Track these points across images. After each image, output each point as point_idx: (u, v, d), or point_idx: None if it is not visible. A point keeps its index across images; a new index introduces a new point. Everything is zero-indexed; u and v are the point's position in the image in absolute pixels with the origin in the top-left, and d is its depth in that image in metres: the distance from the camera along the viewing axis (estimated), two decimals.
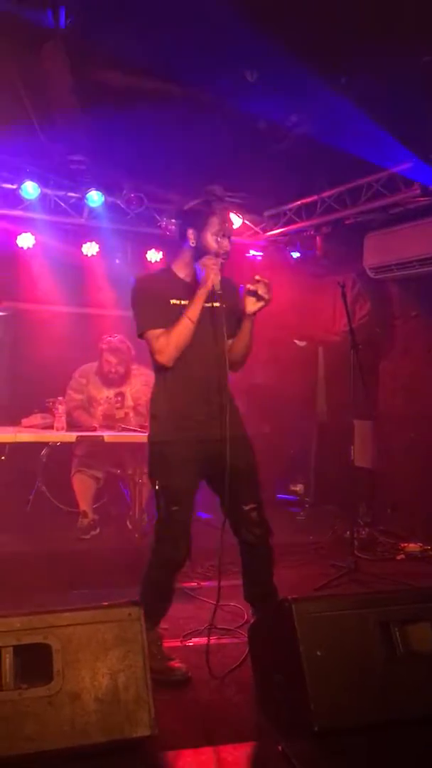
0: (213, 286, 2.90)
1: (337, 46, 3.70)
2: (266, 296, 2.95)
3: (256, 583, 3.11)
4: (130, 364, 5.60)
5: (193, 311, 2.89)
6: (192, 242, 3.00)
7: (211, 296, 2.93)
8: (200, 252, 2.98)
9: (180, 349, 2.91)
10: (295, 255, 6.73)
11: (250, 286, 2.97)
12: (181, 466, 2.97)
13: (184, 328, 2.89)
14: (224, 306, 2.95)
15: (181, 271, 3.08)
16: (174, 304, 2.95)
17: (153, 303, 2.98)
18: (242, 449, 3.01)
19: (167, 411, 3.03)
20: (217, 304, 2.95)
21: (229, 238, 3.02)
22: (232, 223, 3.02)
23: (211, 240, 2.96)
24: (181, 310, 2.92)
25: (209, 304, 2.94)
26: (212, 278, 2.90)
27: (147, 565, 3.06)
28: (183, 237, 3.05)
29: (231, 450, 2.88)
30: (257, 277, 2.97)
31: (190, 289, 2.97)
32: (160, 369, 3.02)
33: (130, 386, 5.62)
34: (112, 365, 5.53)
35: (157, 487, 3.00)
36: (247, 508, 3.01)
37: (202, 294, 2.90)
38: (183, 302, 2.95)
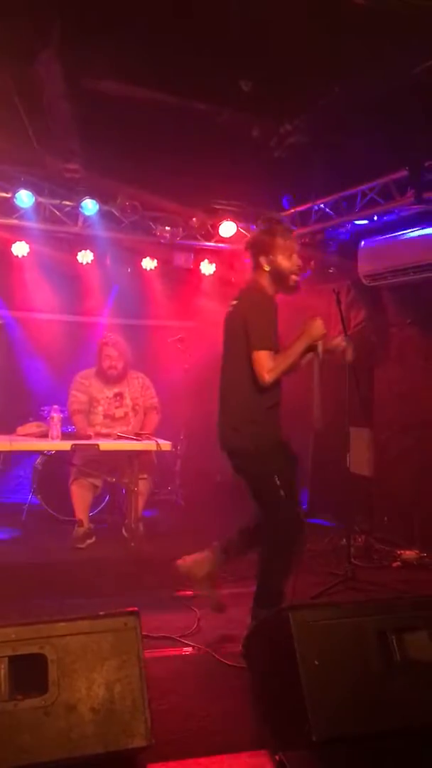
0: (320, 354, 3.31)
1: (329, 55, 3.71)
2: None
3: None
4: (128, 361, 5.65)
5: (301, 349, 3.27)
6: (266, 267, 3.25)
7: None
8: (277, 274, 3.26)
9: (283, 375, 3.26)
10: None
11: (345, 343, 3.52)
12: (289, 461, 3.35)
13: (294, 361, 3.26)
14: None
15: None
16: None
17: (274, 326, 3.26)
18: None
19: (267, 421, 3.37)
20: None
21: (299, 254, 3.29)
22: (297, 243, 3.31)
23: (282, 261, 3.24)
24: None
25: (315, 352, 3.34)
26: (319, 348, 3.32)
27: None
28: (257, 266, 3.30)
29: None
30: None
31: None
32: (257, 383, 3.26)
33: (128, 387, 5.66)
34: (113, 359, 5.57)
35: (277, 482, 3.22)
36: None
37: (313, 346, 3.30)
38: None
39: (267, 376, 3.18)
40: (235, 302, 3.36)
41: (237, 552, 3.50)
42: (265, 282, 3.31)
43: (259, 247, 3.30)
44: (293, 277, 3.27)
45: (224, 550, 3.48)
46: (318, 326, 3.25)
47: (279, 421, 3.39)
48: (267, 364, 3.18)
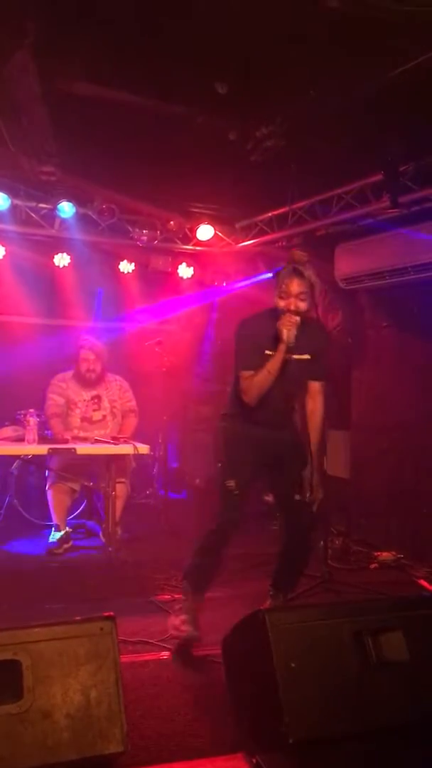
0: (287, 340, 3.35)
1: (304, 58, 3.73)
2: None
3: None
4: (105, 364, 5.63)
5: (273, 364, 3.40)
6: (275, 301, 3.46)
7: (292, 348, 3.40)
8: (277, 309, 3.44)
9: (261, 392, 3.45)
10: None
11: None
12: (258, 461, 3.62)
13: (263, 378, 3.42)
14: (309, 359, 3.52)
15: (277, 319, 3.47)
16: (267, 355, 3.43)
17: (251, 349, 3.49)
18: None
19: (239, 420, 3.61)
20: (297, 356, 3.46)
21: (298, 297, 3.40)
22: (298, 285, 3.41)
23: (278, 300, 3.43)
24: (266, 357, 3.42)
25: (289, 356, 3.42)
26: (285, 334, 3.35)
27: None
28: None
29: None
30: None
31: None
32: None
33: (106, 389, 5.64)
34: (90, 363, 5.54)
35: (225, 477, 3.56)
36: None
37: (281, 350, 3.39)
38: (270, 352, 3.43)
39: (245, 398, 3.48)
40: None
41: (285, 580, 3.77)
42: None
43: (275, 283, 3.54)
44: (287, 315, 3.39)
45: (275, 586, 3.76)
46: (283, 322, 3.38)
47: (269, 421, 3.57)
48: (242, 385, 3.48)
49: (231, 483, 3.49)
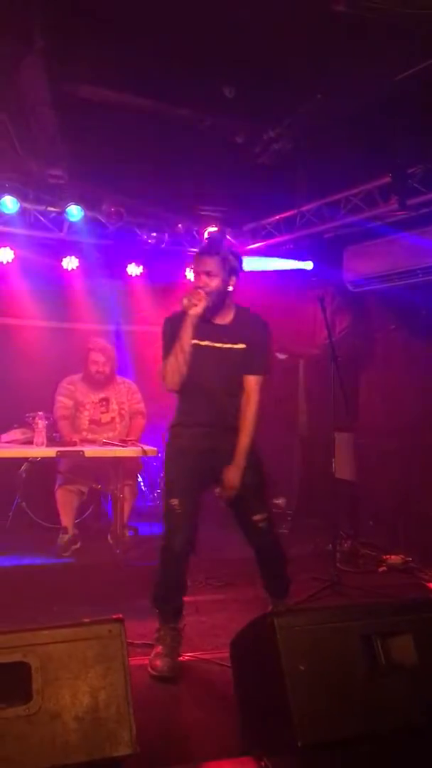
0: (189, 311, 3.22)
1: (311, 62, 3.74)
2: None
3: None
4: (114, 366, 5.65)
5: (183, 339, 3.23)
6: None
7: (227, 337, 3.32)
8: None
9: (176, 373, 3.27)
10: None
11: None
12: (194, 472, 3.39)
13: (176, 353, 3.25)
14: (243, 349, 3.34)
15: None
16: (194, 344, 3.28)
17: (170, 339, 3.34)
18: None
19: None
20: (229, 345, 3.32)
21: (208, 275, 3.28)
22: (206, 262, 3.33)
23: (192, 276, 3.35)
24: (196, 348, 3.27)
25: (220, 345, 3.31)
26: (184, 302, 3.23)
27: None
28: None
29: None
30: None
31: (207, 326, 3.32)
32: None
33: (114, 392, 5.65)
34: (99, 365, 5.55)
35: (167, 491, 3.46)
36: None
37: (187, 321, 3.23)
38: (201, 342, 3.30)
39: (165, 383, 3.35)
40: None
41: (272, 585, 3.60)
42: None
43: None
44: (193, 290, 3.30)
45: (268, 592, 3.61)
46: (185, 298, 3.27)
47: (212, 423, 3.38)
48: (162, 372, 3.35)
49: (174, 501, 3.32)
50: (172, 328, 3.35)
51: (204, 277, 3.30)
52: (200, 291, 3.26)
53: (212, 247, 3.42)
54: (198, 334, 3.28)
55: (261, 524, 3.40)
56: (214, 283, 3.29)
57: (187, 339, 3.24)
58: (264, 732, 2.50)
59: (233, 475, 3.31)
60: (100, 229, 6.26)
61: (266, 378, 3.43)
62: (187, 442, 3.40)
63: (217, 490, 3.33)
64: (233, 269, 3.36)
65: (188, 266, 6.93)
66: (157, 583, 3.34)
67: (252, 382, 3.39)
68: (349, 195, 5.50)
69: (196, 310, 3.23)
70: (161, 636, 3.29)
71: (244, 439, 3.34)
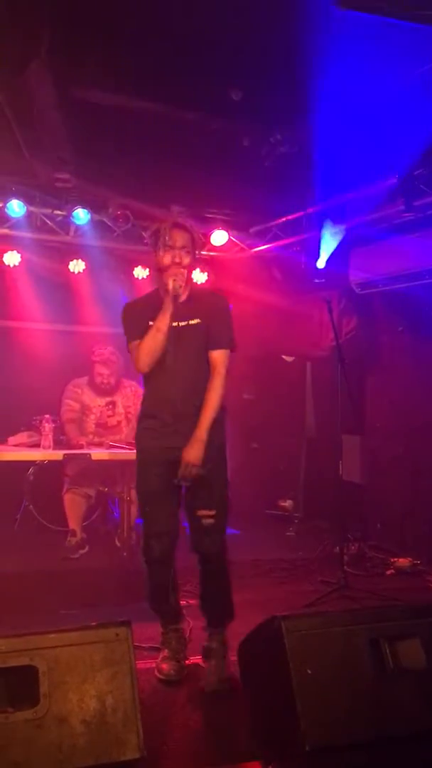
0: (173, 290, 3.12)
1: (318, 64, 3.73)
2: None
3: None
4: (120, 374, 5.67)
5: (161, 320, 3.13)
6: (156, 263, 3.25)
7: (182, 315, 3.17)
8: (159, 269, 3.23)
9: (151, 355, 3.15)
10: None
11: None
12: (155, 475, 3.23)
13: (152, 336, 3.14)
14: (199, 323, 3.20)
15: (162, 291, 3.27)
16: (151, 325, 3.17)
17: (133, 321, 3.28)
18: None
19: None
20: (185, 322, 3.18)
21: (182, 249, 3.18)
22: (182, 237, 3.21)
23: (160, 256, 3.19)
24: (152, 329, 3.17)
25: (175, 323, 3.14)
26: (171, 284, 3.13)
27: None
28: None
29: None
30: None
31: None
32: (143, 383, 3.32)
33: (120, 395, 5.69)
34: (104, 377, 5.61)
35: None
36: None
37: (167, 302, 3.14)
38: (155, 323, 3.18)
39: (138, 366, 3.23)
40: None
41: (203, 605, 3.36)
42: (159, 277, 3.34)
43: (152, 243, 3.34)
44: (173, 266, 3.20)
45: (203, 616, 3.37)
46: (170, 277, 3.16)
47: (176, 413, 3.18)
48: (133, 356, 3.24)
49: (147, 509, 3.23)
50: (134, 311, 3.32)
51: (180, 253, 3.18)
52: (182, 270, 3.17)
53: (184, 223, 3.27)
54: (153, 314, 3.18)
55: (205, 521, 3.14)
56: (187, 259, 3.21)
57: (167, 320, 3.12)
58: (272, 736, 2.50)
59: (194, 450, 3.08)
60: (106, 232, 6.28)
61: (232, 352, 3.24)
62: (149, 443, 3.25)
63: (180, 470, 3.09)
64: (200, 246, 3.35)
65: (193, 269, 6.92)
66: (147, 588, 3.28)
67: (216, 357, 3.19)
68: (356, 196, 5.48)
69: (177, 288, 3.14)
70: (166, 639, 3.30)
71: (206, 413, 3.12)
